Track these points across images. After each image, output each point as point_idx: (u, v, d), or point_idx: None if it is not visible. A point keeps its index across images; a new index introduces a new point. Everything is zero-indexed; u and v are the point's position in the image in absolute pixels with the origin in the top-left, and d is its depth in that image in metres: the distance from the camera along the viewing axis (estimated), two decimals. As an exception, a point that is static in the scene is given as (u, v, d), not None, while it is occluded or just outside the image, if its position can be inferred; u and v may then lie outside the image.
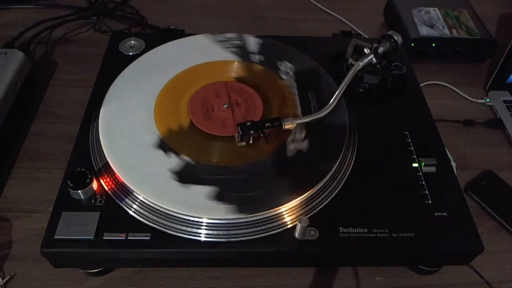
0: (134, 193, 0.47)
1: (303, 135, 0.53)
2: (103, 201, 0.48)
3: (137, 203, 0.47)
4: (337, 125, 0.55)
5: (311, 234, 0.46)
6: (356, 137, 0.56)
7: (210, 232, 0.46)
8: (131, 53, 0.65)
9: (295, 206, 0.48)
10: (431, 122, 0.60)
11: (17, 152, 0.64)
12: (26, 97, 0.68)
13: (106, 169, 0.50)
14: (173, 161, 0.50)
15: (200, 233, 0.46)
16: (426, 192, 0.51)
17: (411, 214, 0.49)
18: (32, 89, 0.71)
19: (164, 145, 0.52)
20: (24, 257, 0.53)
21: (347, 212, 0.49)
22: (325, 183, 0.50)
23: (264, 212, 0.46)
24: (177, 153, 0.51)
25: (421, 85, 0.67)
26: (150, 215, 0.47)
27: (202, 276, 0.53)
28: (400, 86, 0.63)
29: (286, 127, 0.52)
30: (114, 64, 0.63)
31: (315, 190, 0.49)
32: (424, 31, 0.81)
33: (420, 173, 0.53)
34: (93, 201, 0.48)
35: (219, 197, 0.48)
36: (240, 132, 0.51)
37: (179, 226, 0.46)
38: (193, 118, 0.55)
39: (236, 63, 0.63)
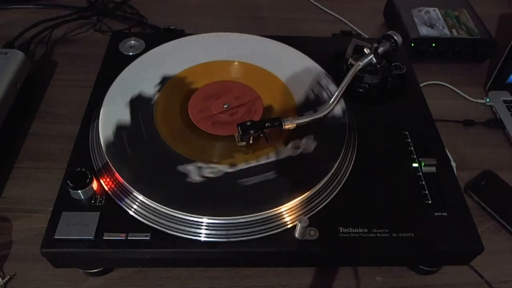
0: (134, 193, 0.47)
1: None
2: (103, 201, 0.48)
3: (137, 203, 0.47)
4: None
5: (311, 234, 0.46)
6: (356, 137, 0.56)
7: (210, 232, 0.46)
8: (131, 53, 0.65)
9: (295, 206, 0.48)
10: (431, 122, 0.60)
11: (17, 152, 0.64)
12: (26, 97, 0.68)
13: (106, 169, 0.50)
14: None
15: (200, 233, 0.46)
16: (426, 192, 0.51)
17: (411, 214, 0.49)
18: (32, 89, 0.71)
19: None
20: (24, 257, 0.53)
21: (347, 212, 0.49)
22: (325, 183, 0.50)
23: (264, 212, 0.46)
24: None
25: (421, 85, 0.67)
26: (150, 215, 0.47)
27: (202, 276, 0.53)
28: (400, 86, 0.63)
29: (286, 127, 0.52)
30: (114, 64, 0.63)
31: (315, 190, 0.49)
32: (424, 31, 0.81)
33: (420, 173, 0.53)
34: (93, 201, 0.48)
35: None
36: (240, 132, 0.51)
37: (179, 226, 0.46)
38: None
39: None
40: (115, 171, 0.49)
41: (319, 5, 0.95)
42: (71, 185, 0.47)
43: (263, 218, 0.47)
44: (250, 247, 0.46)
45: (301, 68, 0.63)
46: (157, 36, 0.76)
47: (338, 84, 0.58)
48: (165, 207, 0.46)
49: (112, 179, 0.49)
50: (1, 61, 0.65)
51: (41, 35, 0.79)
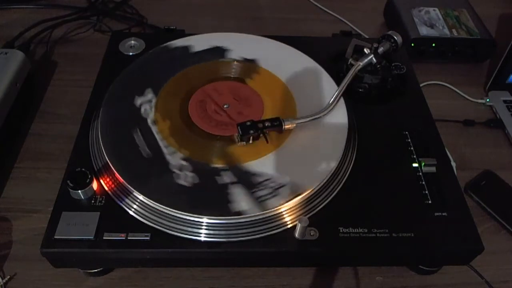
0: (134, 193, 0.47)
1: None
2: (103, 201, 0.48)
3: (137, 203, 0.47)
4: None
5: (311, 234, 0.46)
6: (356, 137, 0.56)
7: (210, 232, 0.46)
8: (131, 53, 0.65)
9: (295, 206, 0.48)
10: (431, 122, 0.60)
11: (17, 152, 0.64)
12: (26, 97, 0.68)
13: (106, 169, 0.50)
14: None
15: (200, 233, 0.46)
16: (426, 192, 0.51)
17: (411, 214, 0.49)
18: (32, 89, 0.71)
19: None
20: (24, 257, 0.53)
21: (347, 212, 0.49)
22: (325, 183, 0.50)
23: (264, 212, 0.46)
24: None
25: (421, 85, 0.67)
26: (150, 215, 0.47)
27: (202, 276, 0.53)
28: (400, 86, 0.63)
29: (286, 127, 0.52)
30: (114, 64, 0.63)
31: (315, 190, 0.49)
32: (424, 31, 0.81)
33: (420, 173, 0.53)
34: (93, 201, 0.48)
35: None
36: (240, 132, 0.51)
37: (179, 226, 0.46)
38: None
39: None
40: (115, 171, 0.49)
41: (319, 5, 0.95)
42: (71, 185, 0.47)
43: (263, 218, 0.47)
44: (250, 247, 0.46)
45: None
46: (157, 36, 0.76)
47: (338, 84, 0.58)
48: (165, 207, 0.46)
49: (112, 179, 0.49)
50: (1, 61, 0.65)
51: (41, 35, 0.79)
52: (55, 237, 0.45)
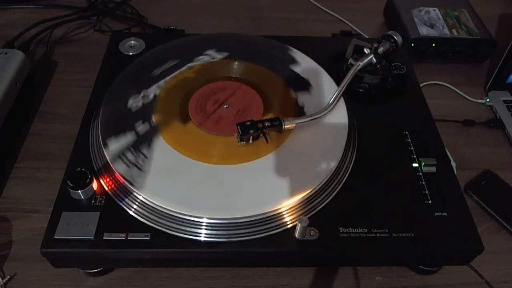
0: (134, 193, 0.47)
1: None
2: (103, 201, 0.48)
3: (137, 203, 0.47)
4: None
5: (311, 234, 0.46)
6: (356, 137, 0.56)
7: (210, 232, 0.46)
8: (131, 53, 0.65)
9: (295, 206, 0.48)
10: (431, 122, 0.60)
11: (17, 152, 0.64)
12: (26, 97, 0.68)
13: (106, 169, 0.50)
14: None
15: (200, 233, 0.46)
16: (426, 192, 0.51)
17: (411, 214, 0.49)
18: (32, 89, 0.71)
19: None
20: (24, 257, 0.53)
21: (347, 212, 0.49)
22: (325, 183, 0.50)
23: (264, 212, 0.46)
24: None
25: (421, 85, 0.67)
26: (150, 215, 0.47)
27: (202, 276, 0.53)
28: (400, 86, 0.63)
29: (286, 127, 0.52)
30: (114, 64, 0.63)
31: (315, 190, 0.49)
32: (424, 31, 0.81)
33: (420, 173, 0.53)
34: (93, 201, 0.48)
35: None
36: (240, 131, 0.51)
37: (179, 226, 0.46)
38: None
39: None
40: (115, 171, 0.49)
41: (319, 5, 0.95)
42: (71, 185, 0.47)
43: (263, 218, 0.47)
44: (250, 247, 0.46)
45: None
46: (157, 36, 0.76)
47: (338, 84, 0.58)
48: (165, 207, 0.46)
49: (112, 179, 0.49)
50: (1, 61, 0.65)
51: (41, 35, 0.79)
52: (55, 237, 0.45)
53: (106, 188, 0.49)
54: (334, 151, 0.52)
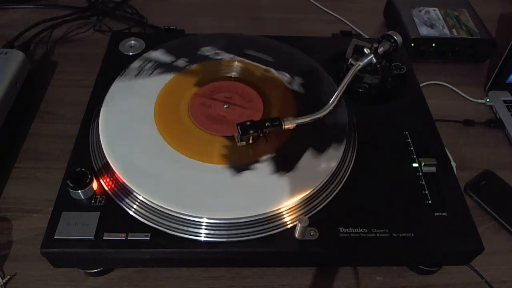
0: (134, 193, 0.47)
1: None
2: (103, 201, 0.48)
3: (137, 203, 0.47)
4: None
5: (311, 234, 0.46)
6: (356, 137, 0.56)
7: (210, 232, 0.46)
8: (131, 53, 0.65)
9: (295, 206, 0.48)
10: (431, 122, 0.60)
11: (17, 152, 0.64)
12: (26, 97, 0.68)
13: (106, 169, 0.50)
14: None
15: (200, 233, 0.46)
16: (426, 192, 0.51)
17: (411, 214, 0.49)
18: (32, 89, 0.71)
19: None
20: (24, 257, 0.53)
21: (347, 212, 0.49)
22: (325, 183, 0.50)
23: (264, 212, 0.46)
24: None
25: (421, 85, 0.67)
26: (150, 215, 0.47)
27: (202, 276, 0.53)
28: (400, 86, 0.63)
29: (286, 127, 0.52)
30: (114, 64, 0.63)
31: (315, 190, 0.49)
32: (424, 31, 0.81)
33: (420, 173, 0.53)
34: (93, 201, 0.48)
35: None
36: (240, 131, 0.51)
37: (179, 226, 0.46)
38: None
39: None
40: (115, 171, 0.49)
41: (319, 5, 0.95)
42: (71, 185, 0.47)
43: (263, 218, 0.47)
44: (250, 247, 0.46)
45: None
46: (157, 36, 0.76)
47: (338, 84, 0.58)
48: (165, 207, 0.46)
49: (112, 179, 0.49)
50: (1, 61, 0.65)
51: (41, 35, 0.79)
52: (55, 237, 0.45)
53: (106, 188, 0.49)
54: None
